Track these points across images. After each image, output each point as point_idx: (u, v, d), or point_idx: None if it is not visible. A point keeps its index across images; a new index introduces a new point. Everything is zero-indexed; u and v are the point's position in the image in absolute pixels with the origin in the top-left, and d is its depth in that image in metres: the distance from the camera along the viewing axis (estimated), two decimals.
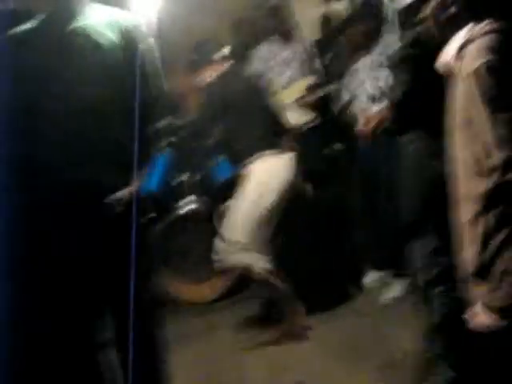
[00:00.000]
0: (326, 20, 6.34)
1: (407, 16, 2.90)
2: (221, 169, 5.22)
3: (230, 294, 5.20)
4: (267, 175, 4.46)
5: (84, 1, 2.88)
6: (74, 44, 2.76)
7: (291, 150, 4.70)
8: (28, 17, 2.84)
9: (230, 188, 4.75)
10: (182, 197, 5.30)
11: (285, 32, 5.96)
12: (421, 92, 2.81)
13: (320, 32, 6.41)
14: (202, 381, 4.00)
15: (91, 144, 2.75)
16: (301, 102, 5.78)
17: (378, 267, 5.31)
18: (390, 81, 3.40)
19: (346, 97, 5.33)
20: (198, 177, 5.39)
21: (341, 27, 6.16)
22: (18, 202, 2.63)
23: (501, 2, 2.22)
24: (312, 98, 5.75)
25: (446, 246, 2.93)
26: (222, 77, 4.55)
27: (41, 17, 2.83)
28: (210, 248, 5.13)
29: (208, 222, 5.21)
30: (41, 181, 2.74)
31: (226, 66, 4.58)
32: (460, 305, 2.93)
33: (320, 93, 5.71)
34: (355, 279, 5.43)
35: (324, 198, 6.02)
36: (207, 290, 5.25)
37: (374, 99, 4.96)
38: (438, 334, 3.08)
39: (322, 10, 6.40)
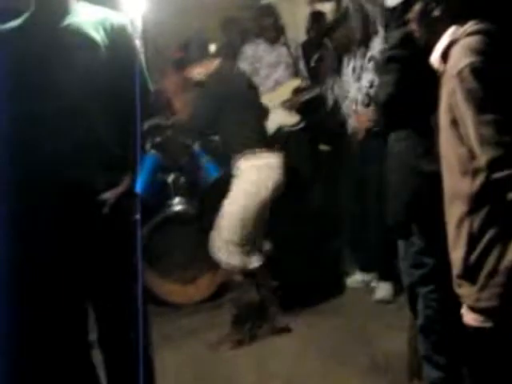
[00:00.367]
0: (314, 18, 6.36)
1: (392, 18, 2.91)
2: (208, 169, 5.21)
3: (216, 295, 5.18)
4: (259, 173, 4.45)
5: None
6: (61, 42, 2.74)
7: (278, 149, 4.68)
8: (15, 15, 2.82)
9: (218, 187, 4.75)
10: (168, 198, 5.29)
11: (271, 34, 5.95)
12: (408, 92, 2.82)
13: (306, 33, 6.42)
14: (191, 382, 3.98)
15: (76, 144, 2.74)
16: (287, 105, 5.79)
17: (364, 268, 5.33)
18: (375, 83, 3.41)
19: (331, 101, 5.35)
20: (184, 178, 5.37)
21: (327, 29, 6.19)
22: (4, 203, 2.62)
23: (484, 4, 2.22)
24: (298, 100, 5.76)
25: (430, 247, 2.95)
26: (216, 74, 4.52)
27: (27, 15, 2.81)
28: (196, 249, 5.15)
29: (194, 223, 5.20)
30: (27, 181, 2.72)
31: (216, 63, 4.55)
32: (444, 306, 2.95)
33: (306, 95, 5.72)
34: (340, 280, 5.45)
35: (310, 199, 6.05)
36: (194, 292, 5.24)
37: (358, 102, 4.97)
38: (422, 335, 3.09)
39: (308, 11, 6.43)
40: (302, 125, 5.86)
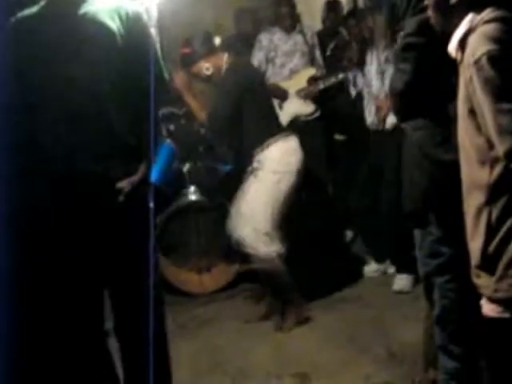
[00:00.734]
0: (330, 7, 6.33)
1: (409, 5, 2.88)
2: (224, 159, 5.21)
3: (231, 284, 5.19)
4: (281, 160, 4.47)
5: None
6: (77, 31, 2.75)
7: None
8: (32, 2, 2.83)
9: (234, 177, 4.75)
10: (184, 187, 5.29)
11: (287, 22, 5.93)
12: (426, 80, 2.80)
13: (322, 22, 6.39)
14: (206, 371, 3.99)
15: (92, 132, 2.74)
16: (302, 94, 5.77)
17: (377, 259, 5.32)
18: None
19: (353, 93, 5.31)
20: (199, 167, 5.37)
21: (343, 17, 6.17)
22: (18, 192, 2.63)
23: None
24: (314, 90, 5.74)
25: (448, 236, 2.93)
26: (231, 69, 4.52)
27: (44, 3, 2.81)
28: (211, 238, 5.16)
29: (209, 212, 5.20)
30: (42, 170, 2.73)
31: (226, 57, 4.53)
32: (461, 296, 2.94)
33: (321, 85, 5.69)
34: (356, 270, 5.45)
35: (325, 188, 6.05)
36: (209, 281, 5.25)
37: (381, 97, 4.95)
38: (438, 325, 3.08)
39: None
40: (317, 114, 5.84)
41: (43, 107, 2.72)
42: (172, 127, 5.64)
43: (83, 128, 2.73)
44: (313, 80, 5.79)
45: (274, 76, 5.85)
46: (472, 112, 2.21)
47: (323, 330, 4.43)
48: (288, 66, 5.89)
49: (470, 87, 2.17)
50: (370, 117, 5.08)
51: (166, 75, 3.02)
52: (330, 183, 6.16)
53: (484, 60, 2.09)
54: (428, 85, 2.80)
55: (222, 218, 4.91)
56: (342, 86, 5.61)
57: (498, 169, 2.17)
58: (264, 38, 5.93)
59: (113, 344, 3.04)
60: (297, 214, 5.50)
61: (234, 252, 4.77)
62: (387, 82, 4.76)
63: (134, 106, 2.81)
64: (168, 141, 5.45)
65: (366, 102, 5.13)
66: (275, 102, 5.37)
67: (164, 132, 5.56)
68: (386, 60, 4.90)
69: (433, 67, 2.75)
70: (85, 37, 2.74)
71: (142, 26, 2.89)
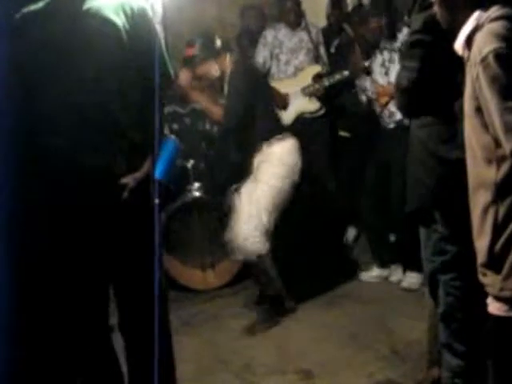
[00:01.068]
0: (334, 4, 6.31)
1: (416, 2, 2.87)
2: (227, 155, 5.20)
3: (235, 280, 5.19)
4: (289, 157, 4.52)
5: None
6: (82, 26, 2.74)
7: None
8: None
9: (239, 173, 4.75)
10: (188, 183, 5.29)
11: (292, 18, 5.92)
12: (432, 77, 2.79)
13: (327, 19, 6.38)
14: (210, 366, 4.00)
15: (96, 128, 2.74)
16: (307, 91, 5.76)
17: (383, 263, 5.30)
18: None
19: (364, 98, 5.29)
20: (204, 163, 5.37)
21: (348, 14, 6.15)
22: (22, 188, 2.63)
23: None
24: (320, 88, 5.72)
25: (453, 234, 2.93)
26: (239, 69, 4.51)
27: None
28: (215, 235, 5.16)
29: (213, 209, 5.21)
30: (46, 166, 2.73)
31: (227, 57, 4.53)
32: (466, 294, 2.94)
33: (326, 82, 5.68)
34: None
35: (329, 186, 6.04)
36: (213, 277, 5.26)
37: None
38: (442, 323, 3.08)
39: None
40: (322, 111, 5.83)
41: (48, 103, 2.71)
42: (176, 126, 5.65)
43: (88, 124, 2.73)
44: (318, 77, 5.78)
45: (278, 73, 5.83)
46: (478, 110, 2.20)
47: (326, 327, 4.44)
48: (293, 63, 5.87)
49: (477, 85, 2.17)
50: (382, 119, 5.06)
51: (171, 71, 3.01)
52: (335, 181, 6.16)
53: (491, 58, 2.09)
54: (434, 82, 2.80)
55: (226, 214, 4.92)
56: (347, 84, 5.60)
57: (504, 167, 2.17)
58: (269, 35, 5.92)
59: (117, 340, 3.04)
60: (300, 211, 5.51)
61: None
62: (392, 80, 4.77)
63: (138, 102, 2.81)
64: (172, 137, 5.43)
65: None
66: None
67: (167, 131, 5.56)
68: (390, 60, 4.90)
69: (439, 64, 2.74)
70: (90, 32, 2.74)
71: (147, 21, 2.88)
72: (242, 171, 4.65)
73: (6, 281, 2.61)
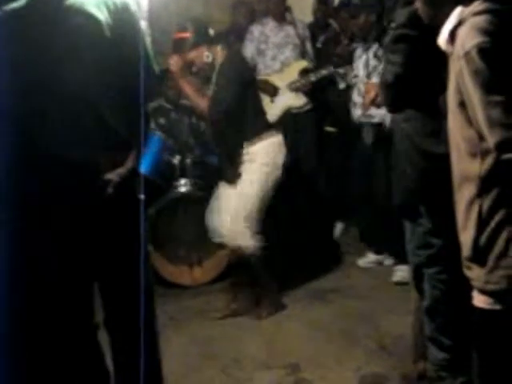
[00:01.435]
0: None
1: None
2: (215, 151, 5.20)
3: (222, 276, 5.19)
4: (271, 153, 4.50)
5: None
6: (64, 22, 2.72)
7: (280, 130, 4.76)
8: None
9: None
10: (175, 179, 5.29)
11: (277, 9, 5.92)
12: (416, 72, 2.80)
13: (313, 14, 6.38)
14: (197, 362, 4.00)
15: (80, 124, 2.73)
16: (293, 87, 5.76)
17: (376, 251, 5.33)
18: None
19: (341, 85, 5.31)
20: (190, 159, 5.37)
21: (334, 10, 6.16)
22: (5, 185, 2.62)
23: None
24: (307, 83, 5.73)
25: (438, 228, 2.94)
26: (232, 59, 4.49)
27: None
28: (202, 231, 5.15)
29: (199, 205, 5.20)
30: (29, 162, 2.71)
31: (220, 49, 4.49)
32: (451, 287, 2.96)
33: (312, 77, 5.69)
34: (347, 263, 5.47)
35: (316, 181, 6.05)
36: (200, 273, 5.25)
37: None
38: (427, 316, 3.09)
39: None
40: (308, 106, 5.84)
41: (31, 100, 2.70)
42: (162, 121, 5.64)
43: (71, 120, 2.71)
44: (304, 72, 5.78)
45: (265, 68, 5.84)
46: (462, 104, 2.21)
47: (314, 322, 4.44)
48: (279, 59, 5.87)
49: (460, 79, 2.18)
50: (355, 110, 5.08)
51: (156, 66, 3.00)
52: (322, 175, 6.17)
53: (474, 52, 2.10)
54: (418, 76, 2.81)
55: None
56: (333, 79, 5.61)
57: (488, 161, 2.18)
58: (255, 30, 5.92)
59: (103, 337, 3.03)
60: (288, 206, 5.52)
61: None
62: (375, 76, 4.79)
63: (122, 97, 2.79)
64: (158, 132, 5.44)
65: (353, 96, 5.12)
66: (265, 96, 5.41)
67: (154, 125, 5.55)
68: (375, 56, 4.90)
69: (423, 59, 2.75)
70: (72, 28, 2.72)
71: (130, 16, 2.86)
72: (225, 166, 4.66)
73: None
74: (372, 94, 4.65)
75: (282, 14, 5.93)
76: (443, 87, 2.46)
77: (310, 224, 5.82)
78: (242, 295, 4.73)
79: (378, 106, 4.45)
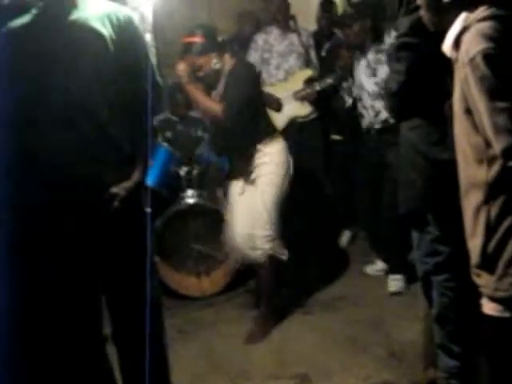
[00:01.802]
0: (324, 8, 6.31)
1: (401, 5, 2.88)
2: (222, 160, 5.19)
3: (230, 287, 5.18)
4: (284, 156, 4.52)
5: None
6: (69, 37, 2.74)
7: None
8: (24, 11, 2.82)
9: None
10: (182, 190, 5.29)
11: (280, 16, 5.93)
12: (420, 80, 2.79)
13: (317, 23, 6.38)
14: (206, 374, 3.99)
15: (85, 139, 2.73)
16: (298, 96, 5.75)
17: (383, 258, 5.31)
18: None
19: (349, 101, 5.30)
20: (197, 170, 5.37)
21: (338, 18, 6.15)
22: (11, 199, 2.62)
23: None
24: (312, 92, 5.72)
25: (446, 235, 2.93)
26: (238, 66, 4.48)
27: (36, 11, 2.81)
28: (210, 242, 5.15)
29: (207, 215, 5.20)
30: (35, 177, 2.72)
31: (228, 56, 4.49)
32: (460, 295, 2.94)
33: (317, 86, 5.68)
34: (356, 270, 5.46)
35: (323, 189, 6.05)
36: (208, 284, 5.25)
37: (375, 96, 4.95)
38: (437, 324, 3.08)
39: (318, 0, 6.38)
40: (314, 115, 5.83)
41: (35, 114, 2.70)
42: (169, 133, 5.65)
43: (77, 134, 2.72)
44: (309, 81, 5.78)
45: (269, 77, 5.84)
46: (468, 111, 2.21)
47: (322, 330, 4.43)
48: (283, 67, 5.88)
49: (466, 86, 2.17)
50: (368, 116, 5.07)
51: (160, 80, 3.01)
52: (329, 183, 6.17)
53: (479, 58, 2.09)
54: (423, 84, 2.80)
55: (220, 221, 4.91)
56: (338, 87, 5.60)
57: (495, 167, 2.17)
58: (259, 39, 5.93)
59: (111, 350, 3.03)
60: (295, 214, 5.51)
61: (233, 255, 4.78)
62: (378, 80, 4.78)
63: (127, 111, 2.80)
64: (164, 144, 5.45)
65: (361, 104, 5.12)
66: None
67: (160, 138, 5.56)
68: (377, 61, 4.89)
69: (427, 67, 2.75)
70: (76, 43, 2.73)
71: (134, 30, 2.88)
72: (231, 172, 4.66)
73: None
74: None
75: (286, 22, 5.94)
76: (448, 94, 2.45)
77: (318, 232, 5.81)
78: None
79: None
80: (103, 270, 2.86)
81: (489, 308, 2.30)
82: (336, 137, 5.97)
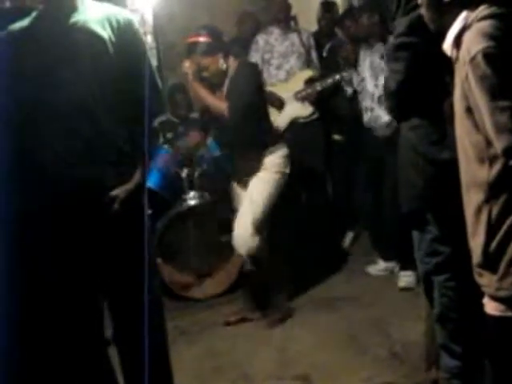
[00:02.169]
0: (325, 8, 6.31)
1: (399, 4, 2.87)
2: (223, 161, 5.19)
3: (232, 288, 5.18)
4: (283, 165, 4.53)
5: None
6: (69, 40, 2.75)
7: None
8: (24, 14, 2.83)
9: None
10: (183, 192, 5.29)
11: (281, 16, 5.93)
12: (419, 79, 2.79)
13: (318, 23, 6.38)
14: (208, 375, 3.99)
15: (85, 141, 2.74)
16: (299, 96, 5.75)
17: (385, 257, 5.31)
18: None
19: (349, 90, 5.31)
20: (198, 171, 5.37)
21: (339, 18, 6.15)
22: (11, 201, 2.62)
23: None
24: (313, 92, 5.71)
25: (446, 235, 2.93)
26: (242, 67, 4.48)
27: (36, 14, 2.82)
28: (212, 243, 5.15)
29: (208, 217, 5.20)
30: (35, 179, 2.72)
31: (232, 58, 4.49)
32: (461, 294, 2.94)
33: (318, 86, 5.68)
34: (357, 270, 5.46)
35: (324, 189, 6.05)
36: (210, 285, 5.24)
37: (375, 99, 4.95)
38: (439, 324, 3.07)
39: (319, 0, 6.38)
40: (315, 116, 5.82)
41: (35, 116, 2.72)
42: (169, 135, 5.64)
43: (77, 136, 2.73)
44: (310, 82, 5.77)
45: (269, 77, 5.83)
46: (469, 110, 2.20)
47: (324, 330, 4.42)
48: (284, 68, 5.87)
49: (466, 85, 2.17)
50: (366, 114, 5.07)
51: (159, 82, 3.01)
52: (330, 184, 6.17)
53: (480, 57, 2.09)
54: (421, 84, 2.80)
55: (222, 222, 4.91)
56: (339, 87, 5.60)
57: (497, 166, 2.16)
58: (260, 39, 5.93)
59: (113, 352, 3.03)
60: (297, 214, 5.52)
61: (235, 256, 4.78)
62: (382, 78, 4.77)
63: (127, 113, 2.81)
64: (165, 146, 5.45)
65: (360, 99, 5.12)
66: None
67: (161, 139, 5.56)
68: (382, 57, 4.88)
69: (426, 66, 2.74)
70: (76, 46, 2.74)
71: (134, 33, 2.89)
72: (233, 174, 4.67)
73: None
74: None
75: (287, 22, 5.95)
76: (447, 93, 2.45)
77: (319, 232, 5.80)
78: (252, 302, 4.74)
79: None
80: (104, 272, 2.86)
81: (491, 307, 2.29)
82: (337, 137, 5.97)
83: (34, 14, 2.81)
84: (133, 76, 2.78)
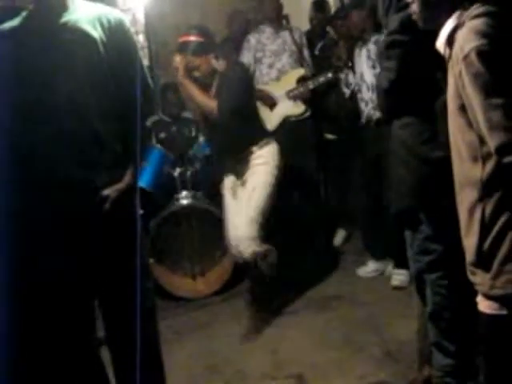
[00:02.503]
0: (317, 6, 6.30)
1: (391, 2, 2.87)
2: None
3: (225, 288, 5.18)
4: (277, 159, 4.53)
5: None
6: (59, 40, 2.73)
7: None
8: (14, 14, 2.81)
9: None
10: (175, 192, 5.28)
11: (272, 14, 5.93)
12: (411, 77, 2.79)
13: (310, 22, 6.38)
14: (202, 375, 3.99)
15: (76, 141, 2.73)
16: (292, 95, 5.74)
17: (377, 257, 5.30)
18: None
19: (347, 94, 5.30)
20: (190, 171, 5.36)
21: (331, 17, 6.15)
22: (3, 201, 2.61)
23: None
24: (305, 91, 5.71)
25: (438, 233, 2.93)
26: (231, 68, 4.47)
27: (26, 14, 2.80)
28: (204, 243, 5.15)
29: (201, 216, 5.20)
30: (26, 179, 2.70)
31: (222, 56, 4.48)
32: (453, 293, 2.94)
33: (310, 85, 5.67)
34: (350, 269, 5.45)
35: (317, 189, 6.05)
36: (203, 285, 5.24)
37: (374, 88, 4.93)
38: (431, 322, 3.07)
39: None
40: (307, 114, 5.82)
41: (26, 117, 2.70)
42: (162, 135, 5.64)
43: (68, 136, 2.71)
44: (302, 80, 5.77)
45: (261, 76, 5.83)
46: (462, 108, 2.20)
47: (318, 330, 4.42)
48: (276, 66, 5.86)
49: (460, 83, 2.16)
50: (366, 108, 5.06)
51: (151, 82, 3.00)
52: (322, 183, 6.17)
53: (473, 55, 2.08)
54: (413, 82, 2.80)
55: (215, 221, 4.90)
56: (331, 86, 5.60)
57: (490, 165, 2.16)
58: (252, 38, 5.92)
59: (105, 353, 3.02)
60: (289, 213, 5.51)
61: (228, 255, 4.78)
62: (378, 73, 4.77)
63: (118, 113, 2.80)
64: (158, 146, 5.44)
65: (360, 96, 5.11)
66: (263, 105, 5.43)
67: (154, 140, 5.55)
68: (375, 43, 4.87)
69: (417, 64, 2.74)
70: (67, 46, 2.73)
71: (125, 33, 2.88)
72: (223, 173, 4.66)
73: None
74: None
75: (279, 21, 5.94)
76: (439, 92, 2.44)
77: (311, 232, 5.80)
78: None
79: None
80: (96, 273, 2.85)
81: (485, 306, 2.28)
82: (330, 136, 5.97)
83: (23, 14, 2.79)
84: (124, 76, 2.78)
